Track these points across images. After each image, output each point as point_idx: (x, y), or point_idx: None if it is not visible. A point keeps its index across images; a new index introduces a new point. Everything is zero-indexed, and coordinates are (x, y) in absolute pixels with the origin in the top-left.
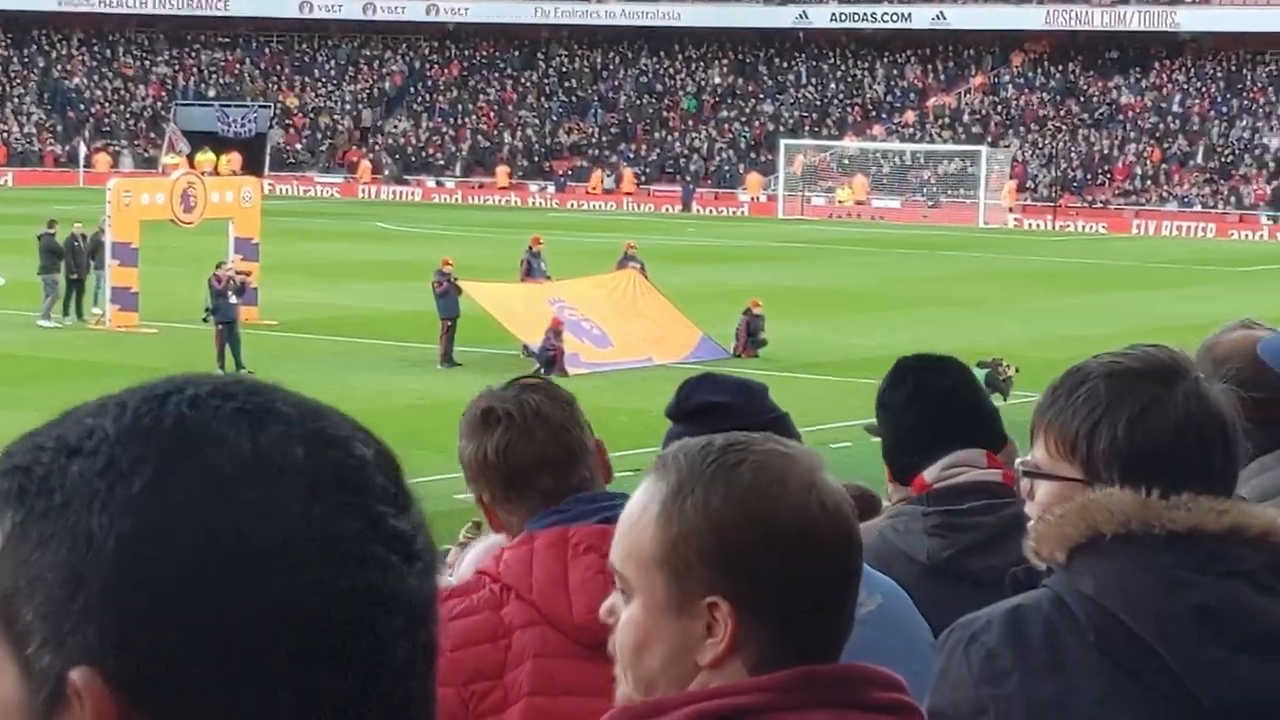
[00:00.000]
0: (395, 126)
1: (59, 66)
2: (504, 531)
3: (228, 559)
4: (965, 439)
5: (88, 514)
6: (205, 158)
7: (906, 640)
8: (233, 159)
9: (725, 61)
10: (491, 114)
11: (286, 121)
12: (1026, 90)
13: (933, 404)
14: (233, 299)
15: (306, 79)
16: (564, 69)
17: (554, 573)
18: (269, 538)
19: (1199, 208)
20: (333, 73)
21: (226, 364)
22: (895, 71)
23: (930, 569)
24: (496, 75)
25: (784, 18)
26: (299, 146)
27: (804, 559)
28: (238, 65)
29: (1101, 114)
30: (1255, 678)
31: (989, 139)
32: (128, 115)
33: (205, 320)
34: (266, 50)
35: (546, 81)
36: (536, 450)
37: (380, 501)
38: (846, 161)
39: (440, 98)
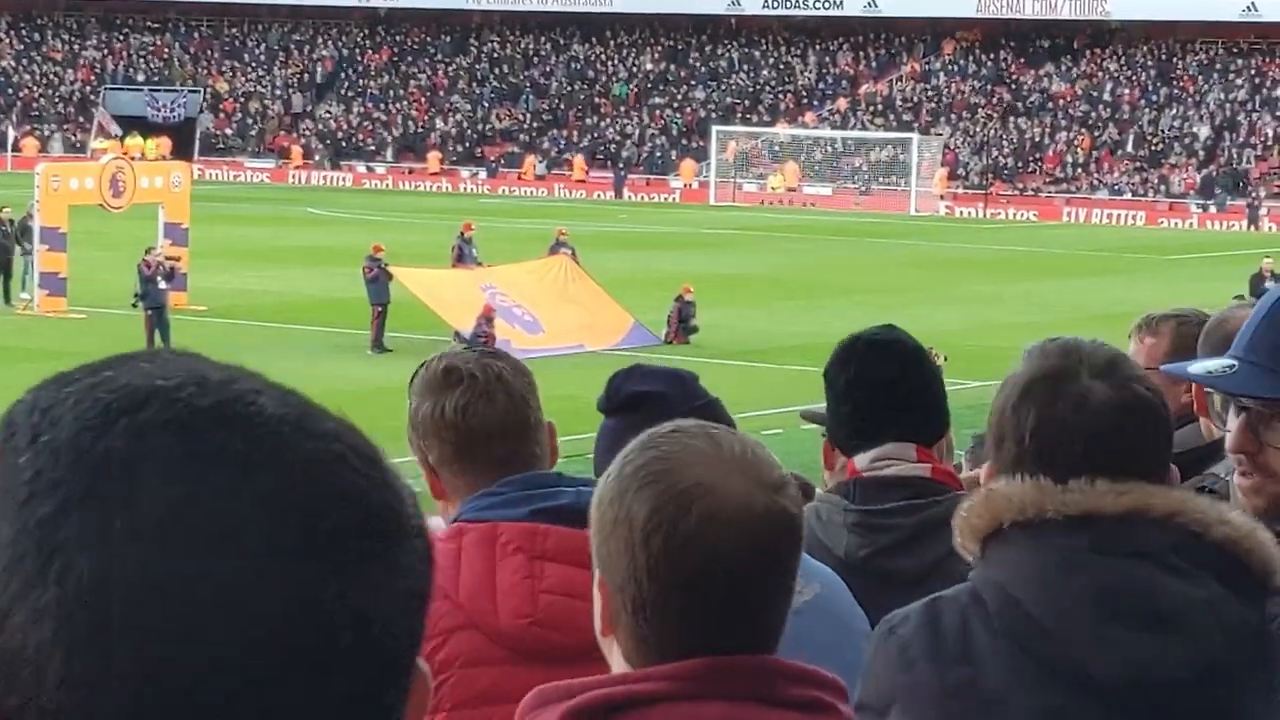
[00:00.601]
0: (326, 112)
1: None
2: (443, 498)
3: (93, 624)
4: (901, 430)
5: (4, 516)
6: (135, 143)
7: (842, 630)
8: (162, 144)
9: (657, 48)
10: (423, 99)
11: (217, 106)
12: (958, 78)
13: (872, 393)
14: (162, 284)
15: (237, 64)
16: (495, 55)
17: (481, 574)
18: (142, 611)
19: (1129, 196)
20: (263, 57)
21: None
22: (827, 59)
23: (845, 564)
24: (428, 61)
25: (716, 4)
26: (229, 131)
27: (681, 558)
28: (167, 50)
29: (1032, 102)
30: (1150, 654)
31: (920, 127)
32: (56, 99)
33: (135, 305)
34: (196, 35)
35: (478, 67)
36: (496, 415)
37: (324, 576)
38: (778, 149)
39: (371, 83)
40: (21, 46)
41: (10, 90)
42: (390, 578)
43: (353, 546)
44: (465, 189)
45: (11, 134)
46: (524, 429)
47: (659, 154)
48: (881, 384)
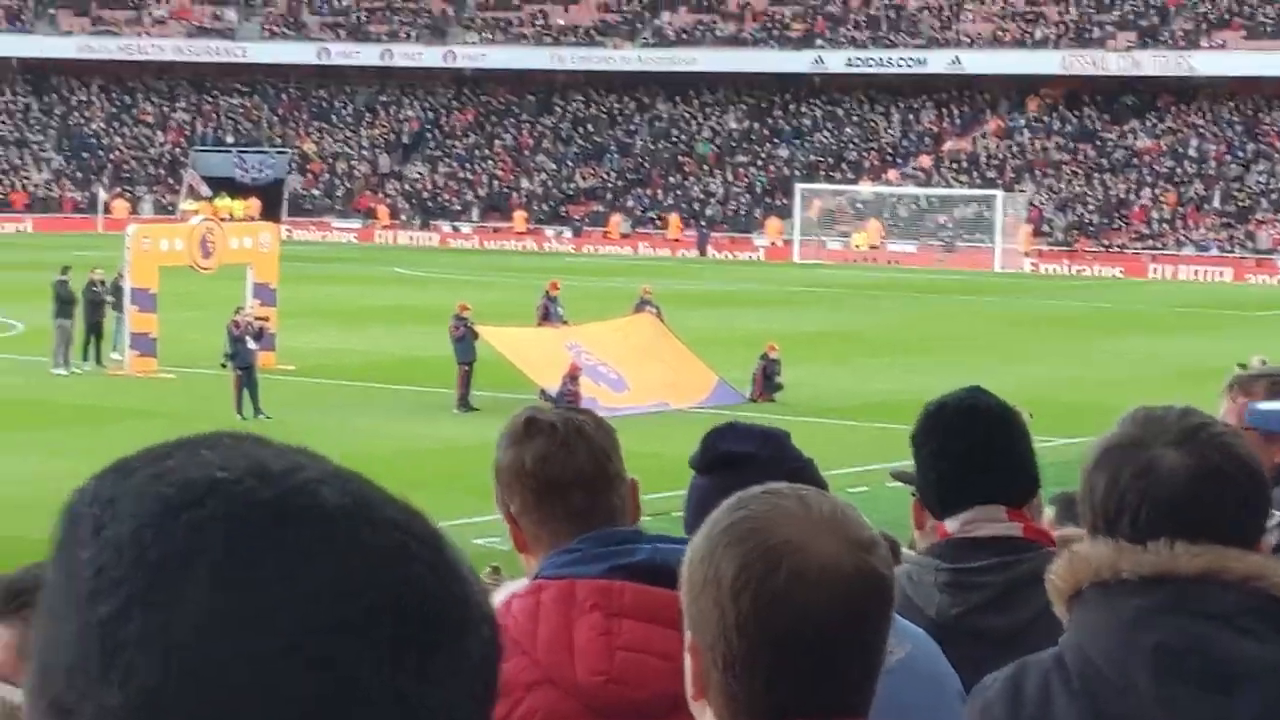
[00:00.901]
0: (412, 172)
1: (78, 113)
2: (525, 550)
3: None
4: (989, 493)
5: (64, 617)
6: (224, 204)
7: (935, 691)
8: (251, 205)
9: (741, 106)
10: (508, 159)
11: (304, 167)
12: (1042, 135)
13: (957, 460)
14: (251, 344)
15: (324, 125)
16: (580, 114)
17: (558, 630)
18: (202, 711)
19: (1215, 252)
20: (350, 119)
21: (245, 409)
22: (910, 116)
23: (938, 624)
24: (512, 120)
25: (800, 63)
26: (316, 192)
27: (770, 616)
28: (256, 111)
29: (1117, 158)
30: (1216, 716)
31: (1004, 184)
32: (146, 161)
33: (224, 366)
34: (284, 96)
35: (562, 127)
36: (574, 465)
37: (375, 676)
38: (862, 206)
39: (457, 143)
40: (113, 109)
41: (101, 152)
42: (454, 664)
43: (413, 636)
44: (550, 248)
45: (103, 196)
46: (604, 481)
47: (743, 212)
48: (966, 451)
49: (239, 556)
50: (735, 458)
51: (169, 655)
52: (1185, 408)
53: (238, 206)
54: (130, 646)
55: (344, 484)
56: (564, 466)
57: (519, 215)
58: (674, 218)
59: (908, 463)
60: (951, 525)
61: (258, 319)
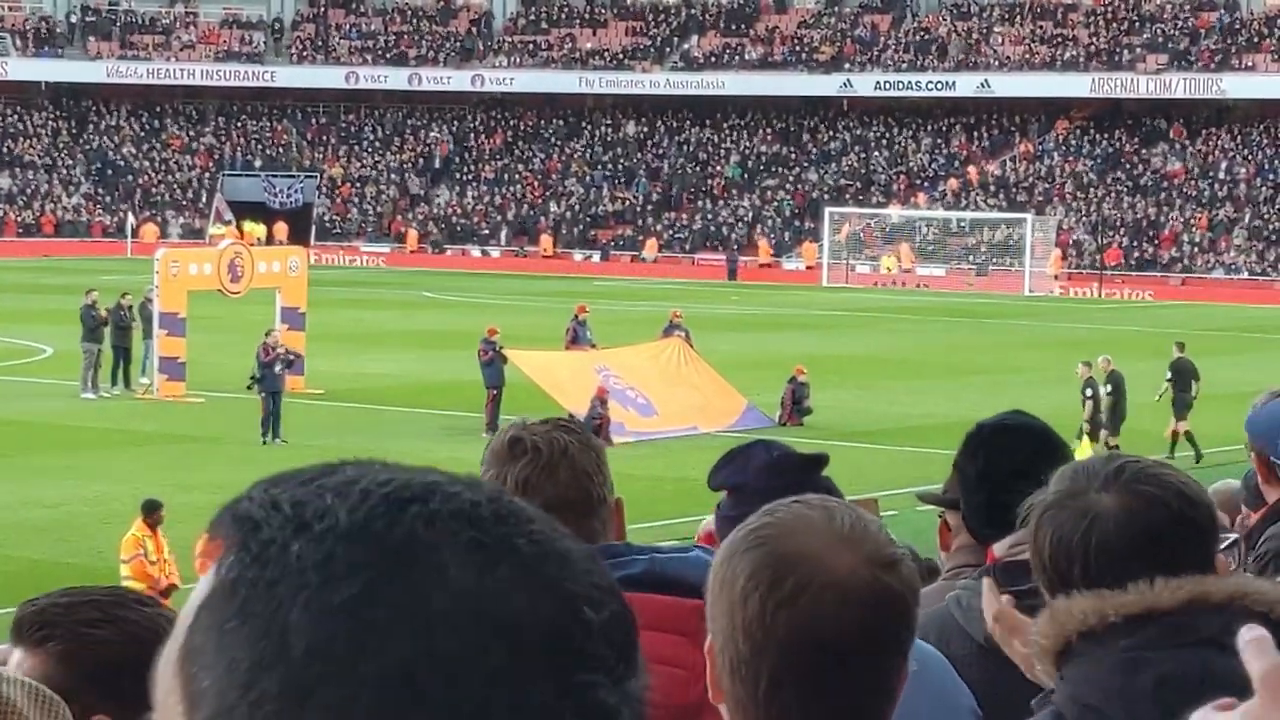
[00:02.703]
0: (441, 196)
1: (107, 138)
2: None
3: (404, 700)
4: None
5: (290, 605)
6: (253, 228)
7: (945, 709)
8: (279, 229)
9: (769, 130)
10: (536, 183)
11: (333, 191)
12: (1072, 158)
13: (1003, 480)
14: (278, 370)
15: (352, 149)
16: (608, 138)
17: None
18: (451, 690)
19: (1246, 275)
20: (378, 143)
21: (267, 433)
22: (939, 139)
23: (986, 649)
24: (541, 144)
25: (828, 86)
26: (347, 217)
27: (774, 622)
28: (285, 135)
29: (1147, 181)
30: None
31: (1034, 207)
32: (175, 186)
33: (249, 389)
34: (313, 120)
35: (591, 150)
36: (557, 489)
37: (591, 670)
38: (891, 230)
39: (485, 167)
40: (141, 133)
41: (130, 177)
42: (638, 671)
43: (617, 639)
44: (578, 271)
45: (131, 220)
46: (585, 505)
47: (772, 236)
48: (1012, 471)
49: (474, 549)
50: (733, 488)
51: (422, 633)
52: (1109, 454)
53: (259, 230)
54: (381, 625)
55: (547, 538)
56: (545, 490)
57: (545, 239)
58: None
59: (934, 486)
60: (999, 548)
61: (289, 351)
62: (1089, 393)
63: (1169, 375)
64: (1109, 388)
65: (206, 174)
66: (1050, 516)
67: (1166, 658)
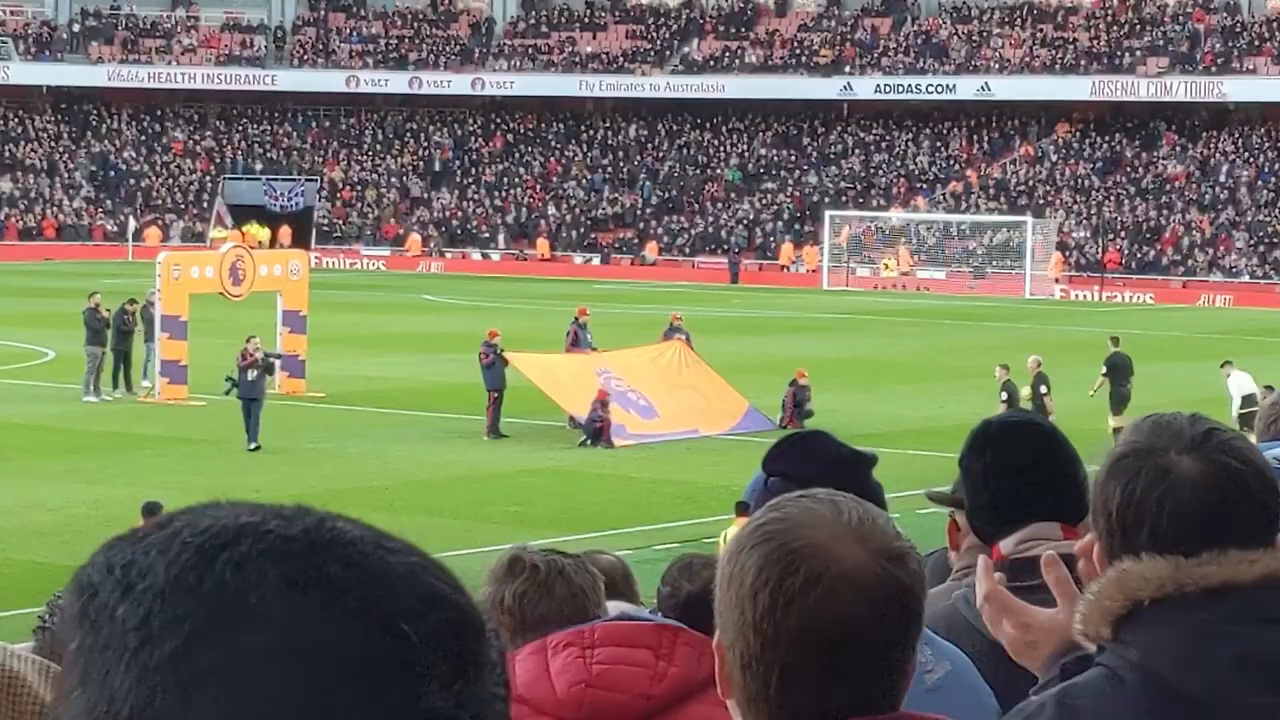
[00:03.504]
0: (441, 199)
1: (108, 141)
2: None
3: None
4: (1042, 512)
5: (115, 668)
6: (254, 231)
7: (977, 708)
8: (282, 233)
9: (769, 133)
10: (536, 186)
11: (333, 195)
12: (1072, 160)
13: (1010, 477)
14: (251, 376)
15: (353, 152)
16: (608, 141)
17: (536, 670)
18: None
19: (1247, 278)
20: (379, 146)
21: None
22: (939, 142)
23: (998, 645)
24: (541, 148)
25: (828, 89)
26: (347, 220)
27: (785, 617)
28: (285, 139)
29: (1148, 184)
30: None
31: (1034, 209)
32: (176, 189)
33: (227, 394)
34: (313, 124)
35: (590, 154)
36: (552, 606)
37: (416, 681)
38: (891, 233)
39: (486, 170)
40: (142, 137)
41: (131, 180)
42: (481, 673)
43: (447, 647)
44: (578, 274)
45: (133, 224)
46: (581, 621)
47: (771, 239)
48: (1019, 467)
49: (282, 586)
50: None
51: (244, 676)
52: (1194, 414)
53: (263, 232)
54: (206, 674)
55: (353, 520)
56: (540, 606)
57: (542, 242)
58: (652, 245)
59: (939, 487)
60: (1006, 546)
61: (268, 354)
62: (1005, 396)
63: (1103, 370)
64: (1044, 389)
65: (207, 177)
66: (1124, 468)
67: (1244, 634)
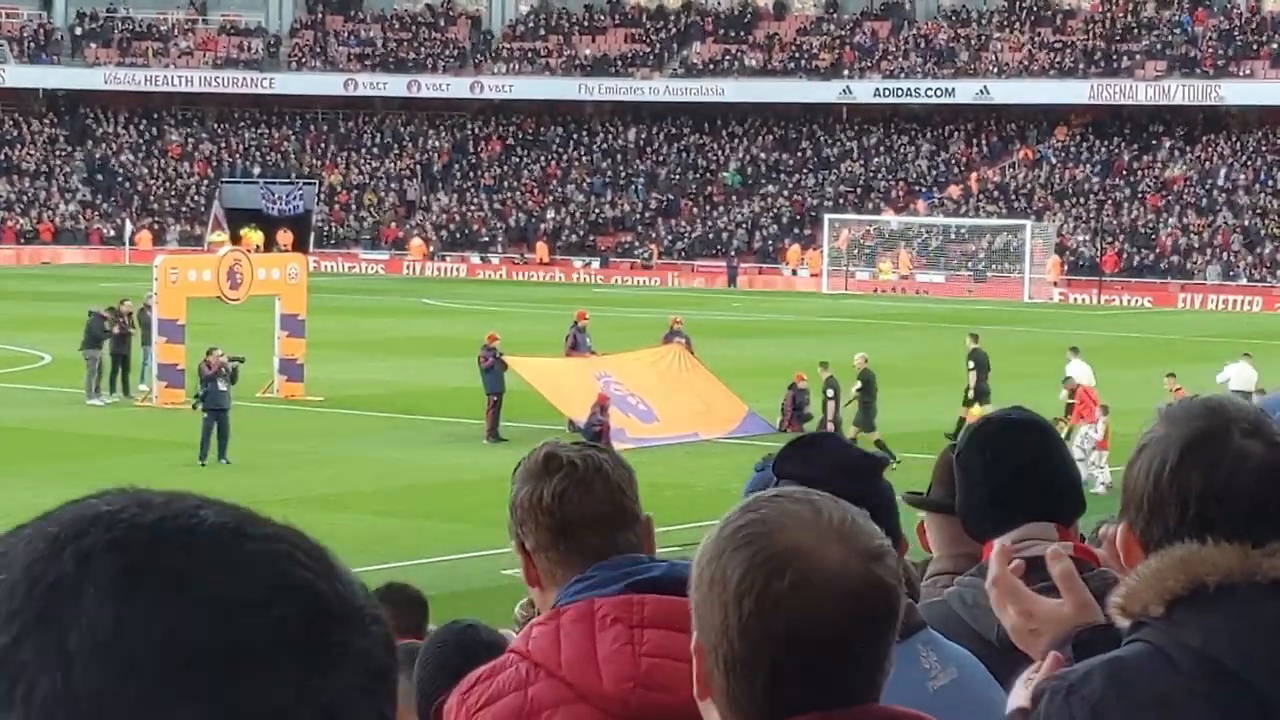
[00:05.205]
0: (439, 202)
1: (105, 144)
2: (537, 585)
3: None
4: (1039, 512)
5: None
6: (251, 235)
7: (983, 713)
8: (284, 237)
9: (768, 136)
10: (535, 189)
11: (332, 199)
12: (1071, 164)
13: (1007, 476)
14: (222, 386)
15: (351, 156)
16: (607, 144)
17: (582, 647)
18: None
19: (1245, 281)
20: (377, 150)
21: (210, 453)
22: (939, 146)
23: (999, 649)
24: (540, 151)
25: (827, 93)
26: (346, 224)
27: (772, 621)
28: (284, 143)
29: (1146, 187)
30: None
31: (1033, 213)
32: (173, 193)
33: (194, 408)
34: (311, 127)
35: (590, 157)
36: (592, 504)
37: (254, 674)
38: (890, 236)
39: (485, 174)
40: (140, 140)
41: (128, 184)
42: (344, 661)
43: (301, 635)
44: (578, 278)
45: (130, 228)
46: (619, 520)
47: (771, 242)
48: (1019, 465)
49: (118, 578)
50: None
51: (65, 673)
52: (1227, 397)
53: (257, 237)
54: (29, 669)
55: (225, 508)
56: (582, 504)
57: (541, 246)
58: (658, 249)
59: (917, 490)
60: (1001, 544)
61: (232, 359)
62: (830, 393)
63: (970, 365)
64: (858, 385)
65: (205, 181)
66: (1199, 455)
67: None
